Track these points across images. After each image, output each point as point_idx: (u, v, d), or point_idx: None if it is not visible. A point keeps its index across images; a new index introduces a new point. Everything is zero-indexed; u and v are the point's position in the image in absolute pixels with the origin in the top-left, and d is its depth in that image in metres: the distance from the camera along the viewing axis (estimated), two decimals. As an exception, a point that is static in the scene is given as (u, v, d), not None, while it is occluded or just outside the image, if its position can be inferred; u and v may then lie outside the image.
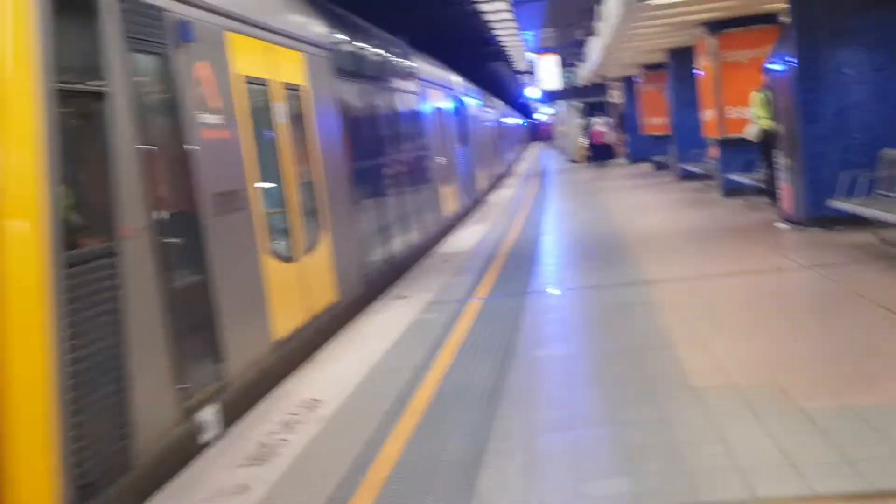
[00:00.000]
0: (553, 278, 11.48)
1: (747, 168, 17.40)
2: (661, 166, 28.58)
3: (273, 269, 7.68)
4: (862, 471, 4.60)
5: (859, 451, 4.82)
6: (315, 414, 6.49)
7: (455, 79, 22.54)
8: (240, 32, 7.69)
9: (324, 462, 5.56)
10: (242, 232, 7.12)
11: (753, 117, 15.38)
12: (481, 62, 36.04)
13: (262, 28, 8.31)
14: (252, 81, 7.82)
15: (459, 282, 11.60)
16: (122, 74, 5.54)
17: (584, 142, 37.13)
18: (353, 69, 11.61)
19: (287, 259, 8.21)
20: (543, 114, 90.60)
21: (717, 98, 18.38)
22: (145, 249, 5.52)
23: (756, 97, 15.29)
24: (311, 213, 9.14)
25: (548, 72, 37.52)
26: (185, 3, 6.58)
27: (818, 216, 12.55)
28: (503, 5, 21.68)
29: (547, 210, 20.52)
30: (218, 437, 6.12)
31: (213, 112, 6.82)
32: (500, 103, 40.82)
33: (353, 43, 11.86)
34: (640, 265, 11.51)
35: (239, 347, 6.66)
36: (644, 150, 32.18)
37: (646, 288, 9.90)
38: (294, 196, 8.65)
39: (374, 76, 12.81)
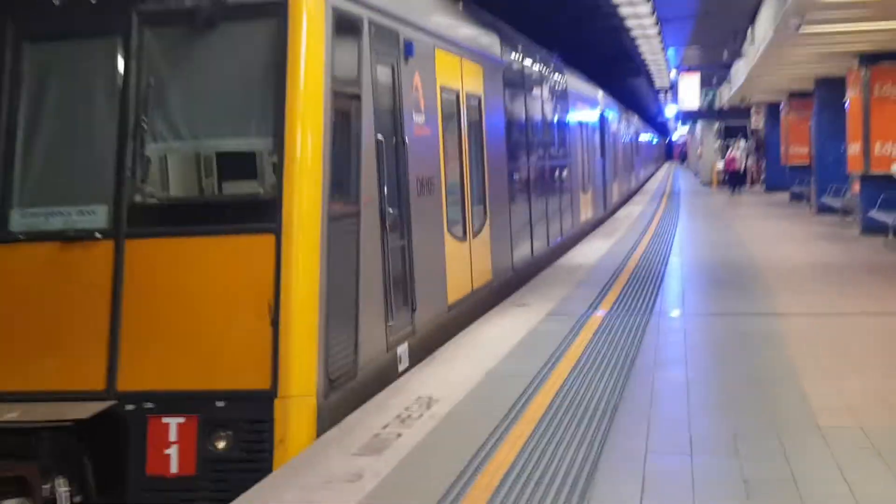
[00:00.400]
0: (677, 301, 11.28)
1: (891, 206, 16.93)
2: (798, 197, 27.98)
3: (451, 245, 9.28)
4: None
5: None
6: (430, 411, 6.48)
7: (600, 94, 23.86)
8: (442, 49, 9.43)
9: (437, 459, 5.49)
10: (433, 211, 8.81)
11: None
12: (622, 76, 35.82)
13: (458, 45, 10.08)
14: (446, 90, 9.51)
15: (582, 294, 11.50)
16: (368, 82, 7.12)
17: (720, 165, 36.55)
18: (518, 81, 13.28)
19: (461, 238, 9.79)
20: (680, 133, 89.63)
21: (865, 132, 17.94)
22: (374, 215, 7.10)
23: None
24: (479, 203, 10.78)
25: (688, 91, 36.87)
26: (410, 26, 8.31)
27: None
28: (650, 21, 21.47)
29: (676, 231, 20.23)
30: (404, 371, 7.55)
31: (421, 113, 8.55)
32: (637, 119, 41.60)
33: (519, 58, 13.45)
34: (770, 296, 11.25)
35: (425, 303, 8.19)
36: (782, 180, 31.51)
37: (775, 320, 9.67)
38: (469, 187, 10.28)
39: (533, 88, 14.38)
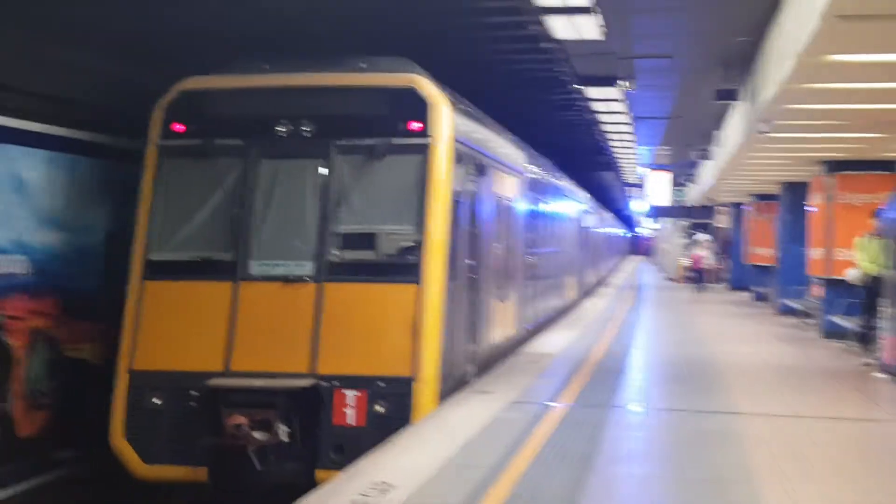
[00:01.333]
0: (639, 395, 11.34)
1: (850, 312, 17.03)
2: (760, 297, 28.22)
3: (496, 304, 13.16)
4: None
5: None
6: (387, 498, 6.46)
7: (582, 193, 29.01)
8: (497, 169, 13.29)
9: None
10: (493, 278, 12.85)
11: (857, 261, 15.08)
12: (592, 168, 36.34)
13: (504, 164, 14.00)
14: (499, 196, 13.44)
15: (544, 385, 11.57)
16: (466, 192, 11.17)
17: (685, 262, 36.85)
18: (535, 186, 17.22)
19: (502, 300, 13.63)
20: (646, 228, 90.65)
21: (827, 237, 18.13)
22: (465, 281, 11.11)
23: (861, 242, 15.00)
24: (512, 275, 14.63)
25: (657, 187, 37.36)
26: (482, 154, 12.13)
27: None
28: (624, 118, 21.83)
29: (639, 325, 20.36)
30: (471, 382, 11.47)
31: (487, 212, 12.45)
32: (608, 214, 43.44)
33: (534, 168, 17.54)
34: (729, 395, 11.31)
35: (482, 341, 12.15)
36: (745, 279, 31.79)
37: (733, 419, 9.71)
38: (506, 265, 14.00)
39: (542, 190, 18.33)
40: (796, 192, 22.25)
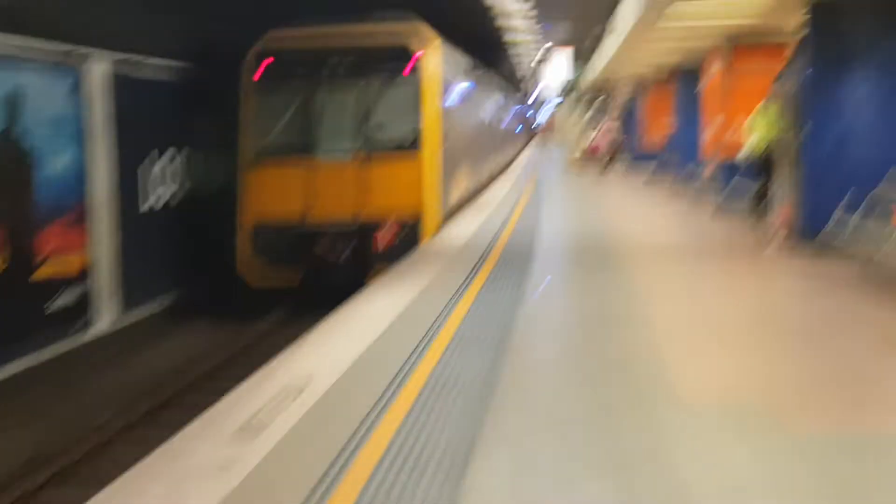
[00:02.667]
0: (546, 273, 11.40)
1: (741, 191, 17.13)
2: (662, 166, 28.24)
3: (456, 171, 19.87)
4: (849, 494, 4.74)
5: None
6: (310, 389, 6.53)
7: (497, 82, 34.88)
8: (454, 79, 19.81)
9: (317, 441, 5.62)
10: (452, 156, 18.87)
11: (752, 133, 14.90)
12: (494, 49, 36.02)
13: (458, 75, 20.77)
14: (456, 100, 20.41)
15: (456, 271, 11.58)
16: (441, 98, 17.83)
17: (588, 139, 36.58)
18: (473, 89, 23.51)
19: (457, 169, 20.12)
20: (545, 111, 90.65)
21: (723, 112, 18.23)
22: (449, 152, 18.10)
23: (760, 109, 14.79)
24: (462, 154, 21.09)
25: (560, 65, 37.08)
26: (450, 71, 19.05)
27: (814, 239, 12.50)
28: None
29: (543, 208, 20.50)
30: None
31: (459, 108, 20.55)
32: (511, 97, 44.33)
33: (474, 74, 24.24)
34: (625, 271, 11.49)
35: (452, 193, 18.71)
36: (644, 157, 32.17)
37: (628, 294, 9.89)
38: (459, 145, 20.29)
39: (478, 90, 24.72)
40: (692, 78, 22.45)
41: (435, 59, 17.60)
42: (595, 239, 15.03)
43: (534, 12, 25.80)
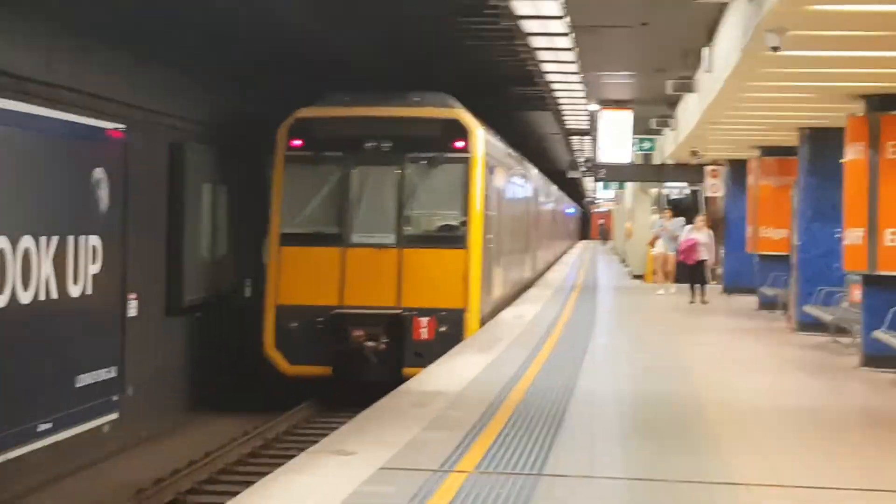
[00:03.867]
0: (584, 456, 11.07)
1: None
2: (770, 303, 28.25)
3: (497, 268, 28.56)
4: None
5: None
6: None
7: (535, 172, 44.37)
8: (499, 168, 28.93)
9: None
10: (497, 250, 28.47)
11: None
12: (518, 105, 36.58)
13: (500, 164, 29.08)
14: (500, 189, 29.39)
15: (437, 439, 11.37)
16: (490, 187, 26.28)
17: (659, 248, 35.80)
18: (514, 178, 32.99)
19: (500, 265, 29.39)
20: (597, 199, 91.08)
21: (872, 211, 17.80)
22: (493, 247, 26.77)
23: None
24: (505, 249, 30.89)
25: (614, 134, 36.31)
26: (494, 160, 27.27)
27: None
28: (561, 26, 21.40)
29: (588, 345, 20.44)
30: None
31: (506, 201, 31.53)
32: (550, 185, 55.56)
33: (516, 163, 34.30)
34: (724, 456, 11.17)
35: (493, 291, 27.06)
36: (746, 277, 31.87)
37: (731, 494, 9.54)
38: (504, 239, 30.46)
39: (517, 180, 34.36)
40: (823, 141, 22.06)
41: (479, 144, 24.02)
42: (669, 385, 14.70)
43: (572, 53, 25.70)
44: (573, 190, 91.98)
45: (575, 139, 51.91)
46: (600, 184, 62.23)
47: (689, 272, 32.97)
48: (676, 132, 32.43)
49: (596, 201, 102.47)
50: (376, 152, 23.19)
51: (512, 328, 23.44)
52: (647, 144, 40.42)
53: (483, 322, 23.75)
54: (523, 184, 37.01)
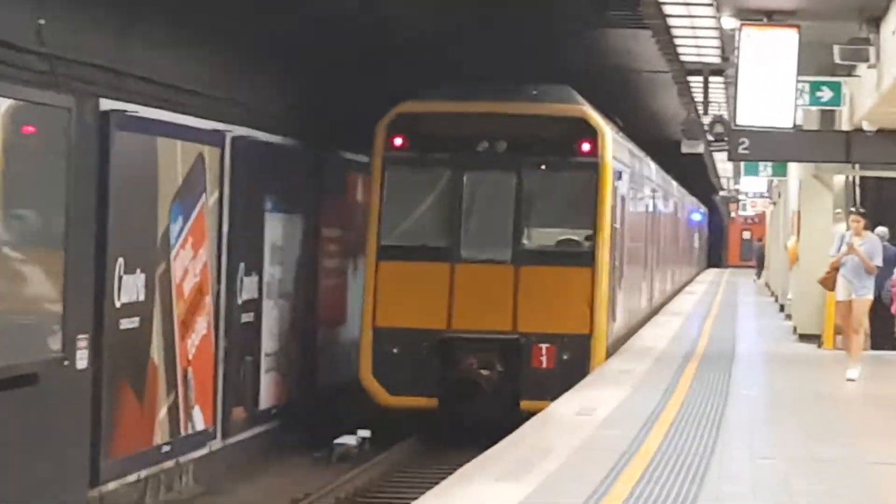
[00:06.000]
0: None
1: None
2: None
3: (627, 288, 37.32)
4: None
5: None
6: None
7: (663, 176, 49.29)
8: (628, 174, 37.11)
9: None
10: (636, 259, 40.13)
11: None
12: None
13: (629, 169, 36.71)
14: (631, 199, 39.30)
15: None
16: (617, 197, 32.91)
17: (852, 295, 26.27)
18: (642, 185, 41.46)
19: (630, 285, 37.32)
20: (740, 194, 79.15)
21: None
22: (620, 261, 34.11)
23: None
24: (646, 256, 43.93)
25: (767, 74, 26.42)
26: (623, 164, 34.67)
27: None
28: None
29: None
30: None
31: (631, 210, 39.97)
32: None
33: (646, 168, 42.82)
34: None
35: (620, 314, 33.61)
36: None
37: None
38: (647, 249, 43.82)
39: (647, 189, 44.03)
40: None
41: (608, 146, 25.74)
42: None
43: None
44: (695, 177, 72.35)
45: (694, 82, 40.62)
46: (742, 168, 52.10)
47: None
48: (879, 72, 24.64)
49: (738, 198, 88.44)
50: (490, 155, 25.52)
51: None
52: (826, 94, 30.04)
53: (609, 351, 25.73)
54: (646, 188, 38.84)
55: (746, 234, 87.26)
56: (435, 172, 25.32)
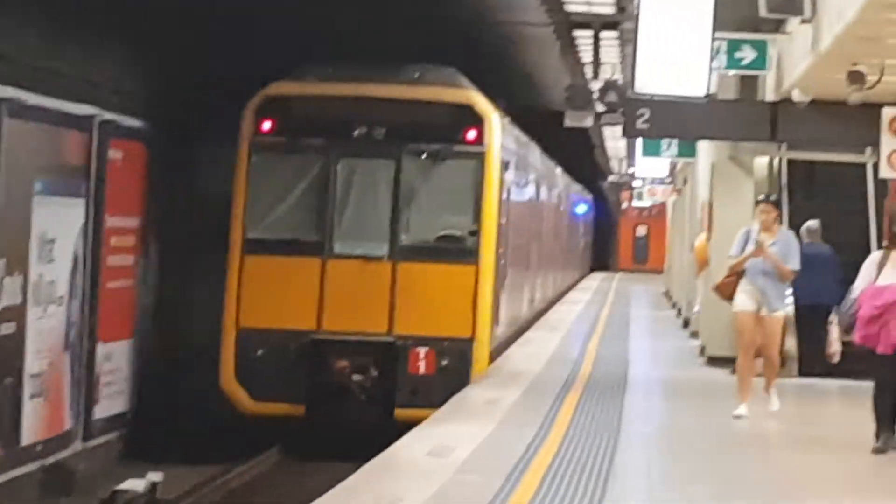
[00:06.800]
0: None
1: None
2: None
3: (512, 286, 38.37)
4: None
5: None
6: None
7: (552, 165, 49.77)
8: (516, 164, 40.00)
9: None
10: (512, 265, 36.85)
11: None
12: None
13: (520, 158, 39.29)
14: (519, 190, 41.11)
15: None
16: (504, 189, 35.14)
17: (758, 309, 24.02)
18: (534, 176, 43.28)
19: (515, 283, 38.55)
20: (635, 180, 76.40)
21: None
22: (502, 263, 32.21)
23: None
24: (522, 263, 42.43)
25: (674, 30, 26.70)
26: (512, 153, 35.87)
27: None
28: None
29: None
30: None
31: (517, 196, 41.01)
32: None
33: (533, 156, 43.13)
34: None
35: (505, 315, 32.81)
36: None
37: None
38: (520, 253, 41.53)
39: (536, 178, 45.04)
40: None
41: (496, 135, 25.57)
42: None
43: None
44: (578, 157, 64.78)
45: (582, 38, 38.76)
46: (639, 146, 48.21)
47: (879, 370, 20.73)
48: (815, 28, 23.19)
49: (633, 184, 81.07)
50: (367, 141, 25.61)
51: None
52: (748, 55, 28.62)
53: (493, 356, 25.80)
54: (531, 177, 38.82)
55: (642, 230, 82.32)
56: (306, 159, 25.55)
